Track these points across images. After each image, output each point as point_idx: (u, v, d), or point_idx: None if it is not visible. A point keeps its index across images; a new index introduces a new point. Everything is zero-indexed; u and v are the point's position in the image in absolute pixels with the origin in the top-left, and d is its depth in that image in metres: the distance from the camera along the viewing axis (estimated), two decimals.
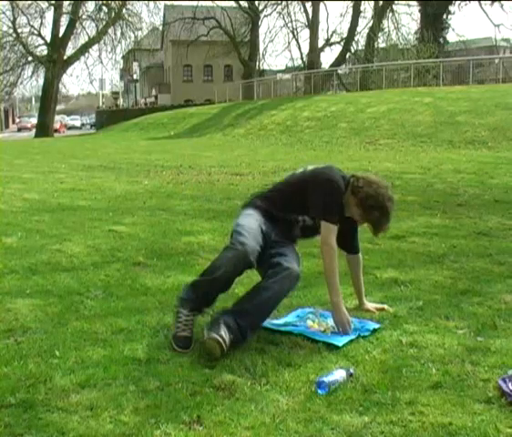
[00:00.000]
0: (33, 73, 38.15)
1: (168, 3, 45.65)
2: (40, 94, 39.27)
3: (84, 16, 37.05)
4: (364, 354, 2.91)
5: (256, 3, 38.78)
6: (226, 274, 3.05)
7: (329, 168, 3.45)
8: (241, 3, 38.66)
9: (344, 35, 36.95)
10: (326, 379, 2.57)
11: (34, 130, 41.00)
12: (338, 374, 2.62)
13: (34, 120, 48.37)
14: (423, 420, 2.32)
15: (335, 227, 3.21)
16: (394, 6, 36.32)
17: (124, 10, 37.29)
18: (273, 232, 3.29)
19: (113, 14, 36.87)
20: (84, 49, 37.54)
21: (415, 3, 35.14)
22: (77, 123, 61.56)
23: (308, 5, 36.79)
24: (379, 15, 35.28)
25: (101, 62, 39.64)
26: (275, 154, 14.49)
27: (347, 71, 34.70)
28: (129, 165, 12.48)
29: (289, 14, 38.93)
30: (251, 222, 3.27)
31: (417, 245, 5.10)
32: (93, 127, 42.85)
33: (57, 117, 44.57)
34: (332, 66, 34.74)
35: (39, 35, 36.97)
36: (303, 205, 3.29)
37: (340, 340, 3.04)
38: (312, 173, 3.39)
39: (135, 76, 53.06)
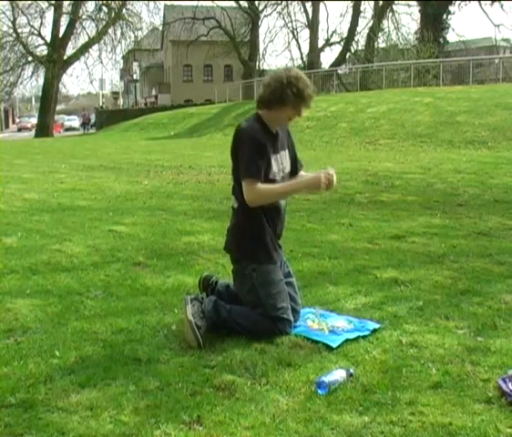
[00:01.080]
0: (33, 73, 38.17)
1: (169, 3, 45.66)
2: (40, 94, 39.26)
3: (84, 16, 37.07)
4: (364, 354, 2.91)
5: (256, 3, 38.78)
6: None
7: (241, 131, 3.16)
8: (241, 3, 38.67)
9: (344, 35, 36.95)
10: (326, 379, 2.57)
11: (34, 130, 41.00)
12: (338, 374, 2.62)
13: (34, 120, 48.29)
14: (423, 420, 2.32)
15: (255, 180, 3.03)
16: (394, 6, 36.32)
17: (124, 10, 37.29)
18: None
19: (113, 14, 36.87)
20: (84, 49, 37.53)
21: (415, 3, 35.17)
22: (76, 123, 55.04)
23: (308, 5, 36.81)
24: (379, 15, 35.28)
25: (101, 62, 39.68)
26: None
27: (347, 71, 34.69)
28: (129, 165, 12.48)
29: (289, 14, 38.95)
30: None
31: (417, 245, 5.10)
32: (93, 127, 42.75)
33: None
34: (332, 66, 34.73)
35: (39, 35, 36.99)
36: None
37: (335, 341, 3.03)
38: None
39: (135, 76, 53.07)
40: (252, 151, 3.04)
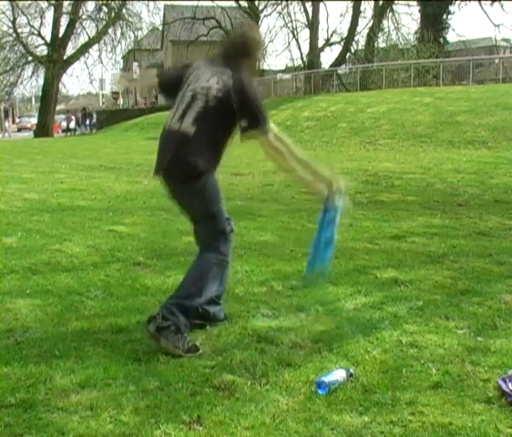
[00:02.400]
0: (33, 73, 38.12)
1: (169, 3, 45.59)
2: (40, 94, 39.23)
3: (84, 16, 37.02)
4: (364, 354, 2.91)
5: (256, 3, 38.75)
6: None
7: None
8: (241, 3, 38.64)
9: (344, 35, 36.90)
10: (326, 379, 2.57)
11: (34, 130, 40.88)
12: (338, 374, 2.62)
13: (34, 120, 48.16)
14: (423, 420, 2.32)
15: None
16: (394, 6, 36.28)
17: (124, 10, 37.24)
18: None
19: (113, 14, 36.83)
20: (84, 49, 37.49)
21: (415, 3, 35.12)
22: (72, 124, 54.55)
23: (308, 5, 36.75)
24: (379, 15, 35.24)
25: (101, 62, 39.61)
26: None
27: (347, 71, 34.65)
28: (129, 165, 12.48)
29: (289, 14, 38.88)
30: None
31: (417, 245, 5.10)
32: (93, 127, 42.63)
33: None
34: (332, 66, 34.69)
35: (39, 35, 36.95)
36: None
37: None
38: None
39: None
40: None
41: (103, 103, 51.03)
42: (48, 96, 36.47)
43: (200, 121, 3.02)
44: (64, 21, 36.54)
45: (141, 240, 5.35)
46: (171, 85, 3.30)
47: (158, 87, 3.44)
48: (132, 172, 11.11)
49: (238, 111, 3.00)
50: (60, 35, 36.30)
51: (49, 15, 43.33)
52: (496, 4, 32.63)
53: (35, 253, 4.89)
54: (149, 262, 4.62)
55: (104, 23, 36.91)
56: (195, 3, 39.81)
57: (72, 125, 41.49)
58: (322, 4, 36.35)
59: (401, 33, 36.16)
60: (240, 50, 3.12)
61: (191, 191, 3.06)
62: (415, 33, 35.21)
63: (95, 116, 40.90)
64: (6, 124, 52.63)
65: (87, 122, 39.91)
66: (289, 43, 44.83)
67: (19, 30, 36.16)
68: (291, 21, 39.25)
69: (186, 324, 2.99)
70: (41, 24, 37.23)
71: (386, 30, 36.27)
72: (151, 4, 42.66)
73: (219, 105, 3.02)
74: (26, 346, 3.05)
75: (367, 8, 47.22)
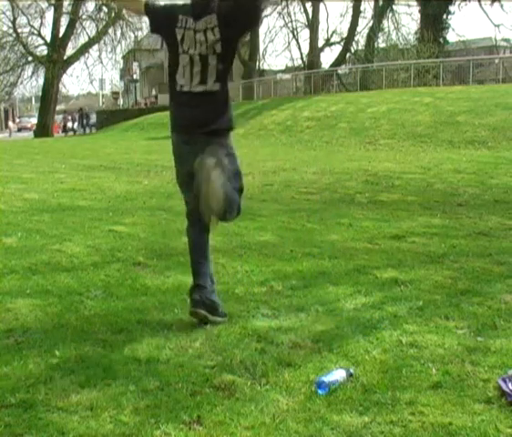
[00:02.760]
0: (33, 73, 38.11)
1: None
2: (40, 94, 39.23)
3: (84, 16, 37.01)
4: (364, 354, 2.91)
5: None
6: None
7: None
8: None
9: (344, 35, 36.91)
10: (326, 379, 2.57)
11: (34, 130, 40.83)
12: (338, 374, 2.62)
13: (34, 120, 48.12)
14: (423, 420, 2.32)
15: None
16: (394, 6, 36.30)
17: (124, 10, 37.24)
18: None
19: (113, 14, 36.80)
20: (84, 49, 37.50)
21: (415, 3, 35.11)
22: (70, 124, 50.52)
23: (308, 5, 36.77)
24: (379, 15, 35.26)
25: (101, 62, 39.57)
26: (275, 154, 14.48)
27: (347, 71, 34.67)
28: (129, 165, 12.48)
29: (289, 14, 38.89)
30: None
31: (417, 245, 5.10)
32: (93, 127, 42.60)
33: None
34: (332, 66, 34.70)
35: (39, 35, 36.95)
36: None
37: None
38: None
39: (135, 76, 52.97)
40: None
41: (103, 103, 51.04)
42: (48, 97, 36.46)
43: (220, 77, 3.30)
44: (64, 21, 36.56)
45: (141, 240, 5.35)
46: (158, 18, 3.47)
47: (143, 9, 3.48)
48: (132, 172, 11.11)
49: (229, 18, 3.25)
50: (60, 35, 36.29)
51: (49, 15, 43.25)
52: (496, 4, 32.68)
53: (35, 253, 4.89)
54: (149, 262, 4.62)
55: (104, 23, 36.90)
56: None
57: (69, 125, 41.48)
58: (322, 4, 36.37)
59: (401, 33, 36.20)
60: None
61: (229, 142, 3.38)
62: (415, 33, 35.22)
63: (93, 116, 40.82)
64: (11, 123, 52.67)
65: (84, 122, 39.88)
66: (289, 43, 44.78)
67: (19, 30, 36.17)
68: (291, 21, 39.29)
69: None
70: (41, 24, 37.18)
71: (386, 30, 36.31)
72: None
73: (223, 49, 3.27)
74: (26, 346, 3.05)
75: (367, 8, 47.16)
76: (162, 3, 3.62)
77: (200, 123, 3.28)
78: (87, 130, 38.92)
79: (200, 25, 3.26)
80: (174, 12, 3.37)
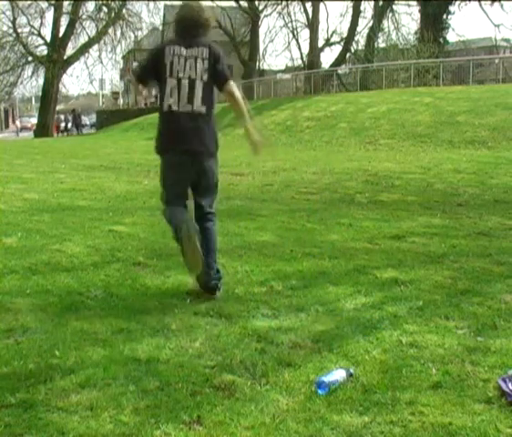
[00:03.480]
0: (33, 73, 38.09)
1: (168, 3, 45.50)
2: (40, 94, 39.22)
3: (84, 16, 37.01)
4: (364, 354, 2.91)
5: (256, 3, 38.75)
6: None
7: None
8: (241, 3, 38.61)
9: (344, 35, 36.91)
10: (326, 379, 2.57)
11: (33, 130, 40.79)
12: (338, 374, 2.62)
13: (34, 120, 48.09)
14: (423, 420, 2.32)
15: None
16: (394, 6, 36.29)
17: (124, 10, 37.25)
18: None
19: (113, 14, 36.82)
20: (84, 49, 37.49)
21: (415, 3, 35.12)
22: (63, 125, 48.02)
23: (308, 5, 36.76)
24: (379, 15, 35.25)
25: (101, 62, 39.58)
26: (275, 154, 14.48)
27: (347, 71, 34.66)
28: (129, 165, 12.47)
29: (289, 14, 38.90)
30: None
31: (417, 245, 5.10)
32: (93, 127, 42.56)
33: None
34: (332, 66, 34.69)
35: (39, 35, 36.94)
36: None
37: None
38: None
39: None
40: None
41: (103, 103, 51.01)
42: (48, 96, 36.45)
43: (206, 99, 3.75)
44: (64, 21, 36.55)
45: (141, 240, 5.35)
46: (148, 75, 3.93)
47: (135, 81, 3.99)
48: (132, 172, 11.11)
49: (217, 72, 3.76)
50: (60, 35, 36.29)
51: (49, 15, 43.21)
52: (496, 4, 32.67)
53: (35, 253, 4.89)
54: (149, 262, 4.62)
55: (104, 23, 36.90)
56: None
57: (62, 125, 41.43)
58: (322, 4, 36.37)
59: (401, 33, 36.19)
60: (203, 30, 3.83)
61: (214, 162, 3.85)
62: (415, 33, 35.21)
63: (84, 117, 40.57)
64: (18, 122, 52.59)
65: (77, 123, 39.76)
66: (289, 43, 44.80)
67: (19, 30, 36.17)
68: (291, 21, 39.29)
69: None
70: (41, 24, 37.18)
71: (386, 30, 36.29)
72: (151, 4, 42.56)
73: (210, 79, 3.74)
74: (26, 346, 3.05)
75: (367, 8, 47.27)
76: (146, 55, 4.15)
77: (188, 141, 3.70)
78: (79, 131, 38.81)
79: (192, 53, 3.71)
80: (160, 50, 3.85)
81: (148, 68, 3.90)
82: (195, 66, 3.69)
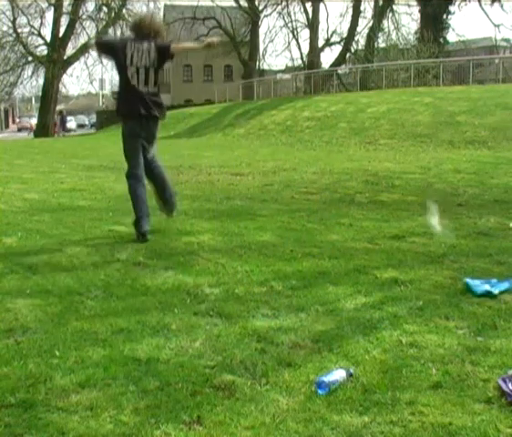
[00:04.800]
0: (33, 73, 38.16)
1: (168, 3, 45.58)
2: (40, 94, 39.23)
3: (84, 16, 37.07)
4: (364, 354, 2.91)
5: (256, 3, 38.77)
6: None
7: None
8: (241, 3, 38.65)
9: (344, 35, 36.95)
10: (326, 379, 2.57)
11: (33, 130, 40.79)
12: (338, 374, 2.62)
13: (34, 120, 48.13)
14: (423, 420, 2.32)
15: None
16: (394, 6, 36.30)
17: (124, 10, 37.29)
18: None
19: (113, 14, 36.85)
20: (84, 49, 37.50)
21: (415, 3, 35.12)
22: (73, 124, 50.85)
23: (308, 5, 36.81)
24: (379, 15, 35.27)
25: (101, 62, 39.57)
26: (275, 154, 14.48)
27: (347, 71, 34.68)
28: None
29: (289, 14, 38.94)
30: None
31: (417, 245, 5.10)
32: (93, 127, 42.57)
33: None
34: (332, 66, 34.73)
35: (39, 35, 36.98)
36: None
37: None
38: None
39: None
40: None
41: (103, 103, 51.01)
42: (48, 96, 36.49)
43: (156, 81, 5.34)
44: (64, 21, 36.60)
45: (141, 240, 5.34)
46: (108, 50, 5.68)
47: (95, 46, 6.08)
48: None
49: (161, 50, 5.29)
50: (60, 35, 36.33)
51: (49, 15, 43.22)
52: (496, 4, 32.74)
53: (35, 253, 4.89)
54: (149, 262, 4.62)
55: (104, 23, 36.92)
56: (195, 3, 39.81)
57: (73, 124, 41.49)
58: (322, 4, 36.41)
59: (401, 33, 36.21)
60: (155, 33, 5.35)
61: (157, 124, 5.41)
62: (415, 33, 35.24)
63: (91, 117, 40.49)
64: (31, 122, 51.86)
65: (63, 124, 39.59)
66: (289, 43, 44.81)
67: (19, 30, 36.22)
68: (291, 21, 39.34)
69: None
70: (41, 24, 37.24)
71: (386, 30, 36.32)
72: (151, 4, 42.63)
73: (158, 66, 5.30)
74: (26, 346, 3.05)
75: (367, 8, 47.16)
76: (112, 38, 5.36)
77: (147, 109, 5.23)
78: (64, 132, 38.68)
79: (145, 47, 5.19)
80: (124, 41, 5.48)
81: (110, 47, 5.57)
82: (149, 57, 5.19)
